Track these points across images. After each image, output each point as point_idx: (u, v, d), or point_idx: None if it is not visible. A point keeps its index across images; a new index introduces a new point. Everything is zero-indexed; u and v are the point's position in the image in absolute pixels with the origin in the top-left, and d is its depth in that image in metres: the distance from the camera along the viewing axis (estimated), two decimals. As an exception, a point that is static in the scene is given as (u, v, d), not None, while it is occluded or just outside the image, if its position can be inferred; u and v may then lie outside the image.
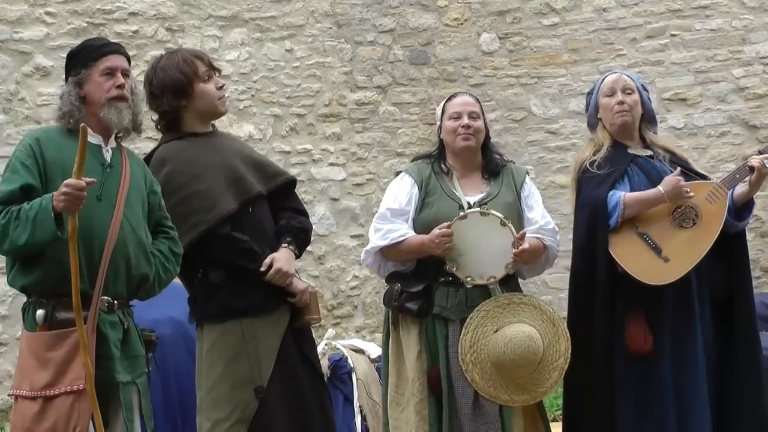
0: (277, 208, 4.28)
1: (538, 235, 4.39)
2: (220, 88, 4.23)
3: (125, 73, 3.91)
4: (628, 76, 4.65)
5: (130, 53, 8.37)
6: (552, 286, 8.98)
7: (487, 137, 4.57)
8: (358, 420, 6.07)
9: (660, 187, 4.36)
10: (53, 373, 3.60)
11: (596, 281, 4.41)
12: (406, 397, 4.31)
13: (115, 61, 3.92)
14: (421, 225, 4.36)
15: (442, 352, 4.27)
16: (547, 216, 4.50)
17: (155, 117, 4.31)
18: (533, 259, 4.37)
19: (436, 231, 4.22)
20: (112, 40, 4.01)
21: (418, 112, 9.37)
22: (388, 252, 4.39)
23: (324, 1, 9.10)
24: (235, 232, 4.09)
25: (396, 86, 9.32)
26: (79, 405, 3.60)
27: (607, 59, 9.40)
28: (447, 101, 4.56)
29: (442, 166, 4.49)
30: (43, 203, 3.56)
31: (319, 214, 8.91)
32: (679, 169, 4.43)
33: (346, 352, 6.28)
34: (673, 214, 4.41)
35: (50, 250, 3.62)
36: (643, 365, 4.34)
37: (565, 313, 4.56)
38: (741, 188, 4.49)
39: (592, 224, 4.43)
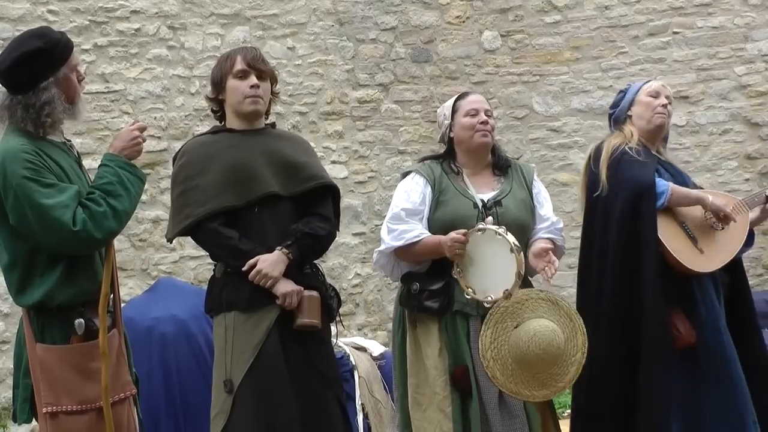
0: (305, 213, 4.24)
1: (551, 236, 4.42)
2: (252, 87, 4.18)
3: None
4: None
5: (133, 51, 8.51)
6: (553, 283, 8.98)
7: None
8: (360, 418, 6.07)
9: (709, 197, 4.53)
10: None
11: (644, 263, 4.42)
12: (428, 396, 4.29)
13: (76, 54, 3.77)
14: (438, 224, 4.33)
15: (466, 347, 4.27)
16: (553, 214, 4.52)
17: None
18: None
19: (452, 234, 4.18)
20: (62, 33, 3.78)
21: (420, 110, 9.37)
22: (402, 253, 4.34)
23: (326, -2, 9.11)
24: (222, 228, 4.09)
25: (398, 84, 9.32)
26: (130, 410, 3.66)
27: (609, 57, 9.40)
28: (459, 99, 4.54)
29: (452, 166, 4.47)
30: (112, 165, 3.59)
31: (321, 211, 8.92)
32: (738, 201, 4.65)
33: (348, 349, 6.28)
34: (705, 214, 4.56)
35: (85, 259, 3.59)
36: (686, 359, 4.44)
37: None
38: (753, 214, 4.73)
39: (639, 203, 4.46)
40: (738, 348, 4.48)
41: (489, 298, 4.18)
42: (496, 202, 4.37)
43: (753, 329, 4.60)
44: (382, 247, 4.38)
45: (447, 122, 4.51)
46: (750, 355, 4.51)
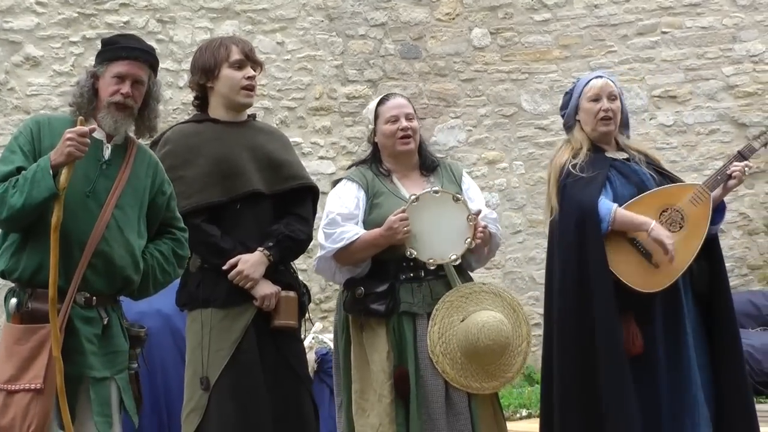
0: (284, 212, 4.24)
1: (487, 224, 4.39)
2: (249, 78, 4.17)
3: (139, 81, 3.76)
4: (611, 81, 4.59)
5: (121, 44, 8.46)
6: (539, 281, 9.00)
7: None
8: (344, 413, 6.06)
9: (651, 224, 4.33)
10: (17, 368, 3.58)
11: (592, 286, 4.34)
12: (371, 402, 4.26)
13: (132, 68, 3.75)
14: (373, 226, 4.30)
15: (411, 348, 4.25)
16: (486, 206, 4.53)
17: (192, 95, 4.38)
18: (485, 243, 4.36)
19: (391, 218, 4.20)
20: (138, 46, 3.83)
21: (408, 107, 9.37)
22: (342, 255, 4.30)
23: (316, -6, 9.11)
24: (206, 225, 4.09)
25: (387, 80, 9.32)
26: (35, 404, 3.57)
27: (597, 56, 9.42)
28: (379, 105, 4.48)
29: (381, 169, 4.45)
30: (41, 164, 3.56)
31: (308, 207, 8.92)
32: (698, 187, 4.44)
33: (332, 345, 6.27)
34: (660, 218, 4.41)
35: (33, 237, 3.61)
36: (635, 367, 4.33)
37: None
38: (715, 192, 4.49)
39: (583, 229, 4.38)
40: (713, 345, 4.44)
41: (453, 257, 4.27)
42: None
43: (731, 328, 4.48)
44: (322, 252, 4.34)
45: (371, 127, 4.50)
46: (724, 352, 4.44)
